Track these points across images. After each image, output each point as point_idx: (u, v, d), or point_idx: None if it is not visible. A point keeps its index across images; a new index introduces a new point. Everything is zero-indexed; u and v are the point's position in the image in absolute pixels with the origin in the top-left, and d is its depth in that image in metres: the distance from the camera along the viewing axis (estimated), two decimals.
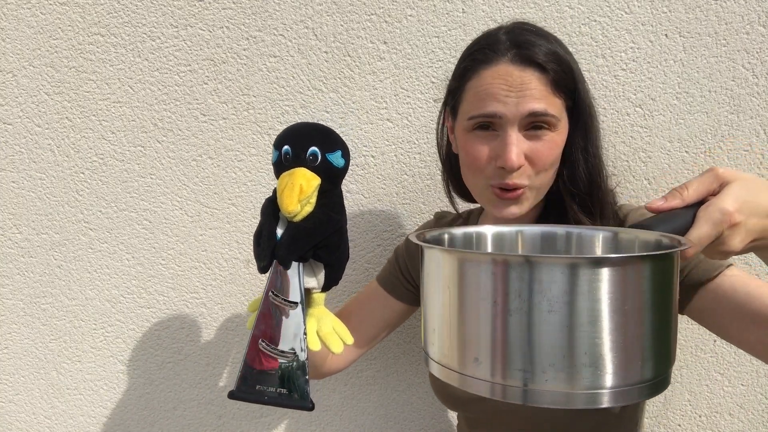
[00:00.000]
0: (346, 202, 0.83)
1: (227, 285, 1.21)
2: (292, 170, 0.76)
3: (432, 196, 1.15)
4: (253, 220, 1.18)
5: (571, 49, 0.83)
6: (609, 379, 0.44)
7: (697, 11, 1.04)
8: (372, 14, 1.10)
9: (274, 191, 0.78)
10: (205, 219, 1.19)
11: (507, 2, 1.07)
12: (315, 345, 0.78)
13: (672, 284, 0.48)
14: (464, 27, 1.09)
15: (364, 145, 1.14)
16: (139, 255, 1.20)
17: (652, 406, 1.15)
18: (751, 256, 1.09)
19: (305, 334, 0.76)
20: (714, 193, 0.58)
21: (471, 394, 0.72)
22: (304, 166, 0.76)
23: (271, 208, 0.78)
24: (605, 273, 0.43)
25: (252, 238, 0.82)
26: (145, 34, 1.13)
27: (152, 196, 1.18)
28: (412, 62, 1.11)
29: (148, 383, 1.25)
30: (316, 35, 1.11)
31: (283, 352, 0.76)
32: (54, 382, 1.26)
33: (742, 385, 1.13)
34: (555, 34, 0.83)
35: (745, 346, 0.76)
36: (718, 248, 0.57)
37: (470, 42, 0.86)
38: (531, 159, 0.79)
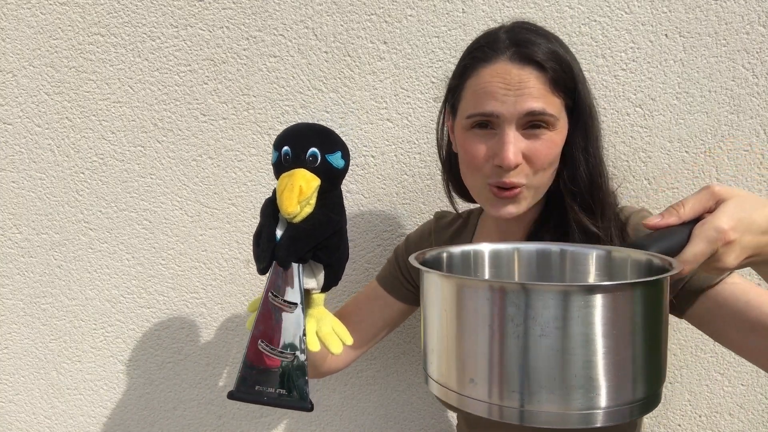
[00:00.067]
0: (346, 202, 0.83)
1: (227, 285, 1.21)
2: (292, 171, 0.76)
3: (432, 196, 1.15)
4: (253, 220, 1.18)
5: (571, 49, 0.83)
6: (602, 400, 0.46)
7: (697, 11, 1.04)
8: (372, 14, 1.10)
9: (274, 192, 0.78)
10: (205, 219, 1.19)
11: (507, 2, 1.07)
12: (314, 346, 0.78)
13: (661, 307, 0.49)
14: (464, 27, 1.09)
15: (364, 145, 1.14)
16: (139, 255, 1.20)
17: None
18: None
19: (304, 334, 0.76)
20: (710, 211, 0.58)
21: None
22: (304, 167, 0.76)
23: (271, 209, 0.78)
24: (596, 299, 0.44)
25: (252, 238, 0.81)
26: (145, 34, 1.13)
27: (152, 196, 1.18)
28: (412, 62, 1.11)
29: (148, 383, 1.25)
30: (316, 35, 1.11)
31: (282, 352, 0.76)
32: (54, 382, 1.26)
33: (742, 385, 1.13)
34: (555, 34, 0.83)
35: (744, 353, 0.77)
36: (713, 265, 0.58)
37: (470, 42, 0.86)
38: (529, 158, 0.78)
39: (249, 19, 1.12)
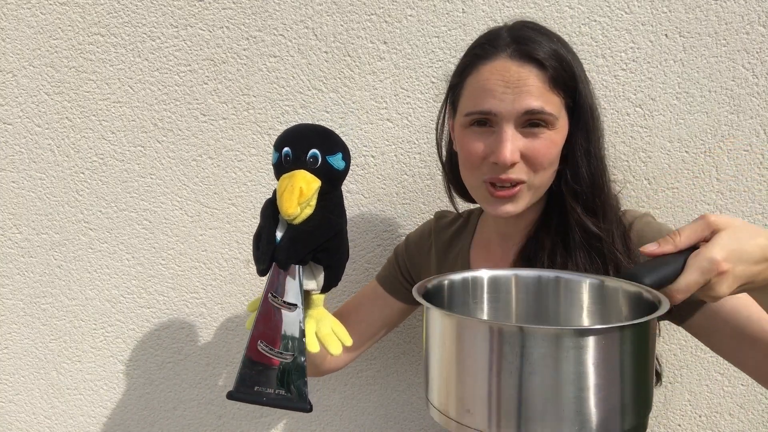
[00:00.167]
0: (346, 202, 0.83)
1: (227, 285, 1.21)
2: (292, 172, 0.76)
3: (432, 196, 1.15)
4: (253, 220, 1.18)
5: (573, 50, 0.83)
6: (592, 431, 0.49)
7: (697, 11, 1.04)
8: (372, 14, 1.10)
9: (274, 193, 0.77)
10: (205, 219, 1.19)
11: (507, 2, 1.07)
12: (314, 347, 0.78)
13: (648, 345, 0.52)
14: (464, 27, 1.09)
15: (364, 145, 1.14)
16: (139, 255, 1.20)
17: (652, 407, 1.15)
18: None
19: (304, 335, 0.76)
20: (706, 240, 0.60)
21: None
22: (305, 169, 0.76)
23: (271, 210, 0.77)
24: (586, 341, 0.48)
25: (252, 239, 0.81)
26: (145, 34, 1.13)
27: (152, 196, 1.18)
28: (412, 62, 1.11)
29: (148, 383, 1.25)
30: (316, 35, 1.11)
31: (281, 353, 0.76)
32: (54, 382, 1.26)
33: (742, 385, 1.13)
34: (558, 34, 0.83)
35: (742, 366, 0.78)
36: (706, 293, 0.59)
37: (470, 42, 0.86)
38: (527, 157, 0.78)
39: (249, 19, 1.12)
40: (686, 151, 1.08)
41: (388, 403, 1.23)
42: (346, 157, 0.79)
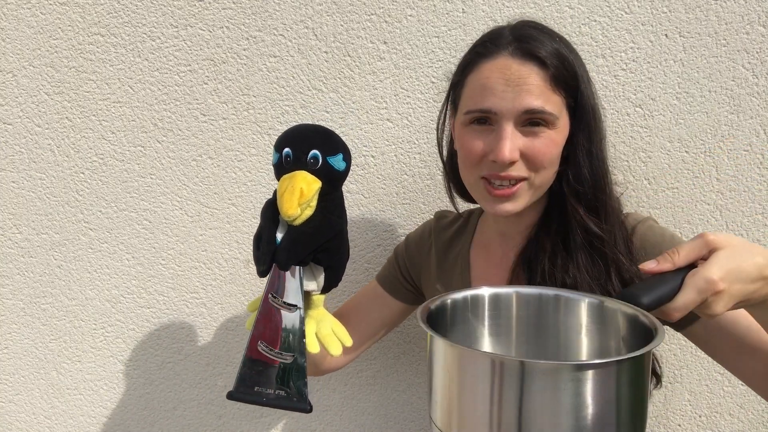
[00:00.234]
0: (346, 202, 0.83)
1: (227, 285, 1.21)
2: (293, 173, 0.75)
3: (432, 196, 1.15)
4: (253, 221, 1.18)
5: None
6: None
7: (697, 11, 1.04)
8: (372, 14, 1.10)
9: (275, 193, 0.77)
10: (205, 219, 1.19)
11: (507, 2, 1.07)
12: (314, 347, 0.78)
13: (644, 374, 0.54)
14: (464, 27, 1.09)
15: (364, 145, 1.14)
16: (139, 255, 1.20)
17: (652, 407, 1.15)
18: None
19: (304, 336, 0.76)
20: (704, 258, 0.61)
21: None
22: (305, 169, 0.76)
23: (271, 211, 0.77)
24: (584, 375, 0.50)
25: (252, 239, 0.81)
26: (145, 34, 1.13)
27: (152, 196, 1.18)
28: (412, 62, 1.11)
29: (148, 383, 1.25)
30: (316, 35, 1.11)
31: (281, 354, 0.76)
32: (54, 382, 1.26)
33: (742, 385, 1.12)
34: (561, 35, 0.83)
35: (740, 375, 0.79)
36: (702, 311, 0.60)
37: (471, 42, 0.86)
38: (527, 156, 0.78)
39: (249, 19, 1.12)
40: (686, 151, 1.08)
41: (388, 403, 1.23)
42: (347, 158, 0.79)
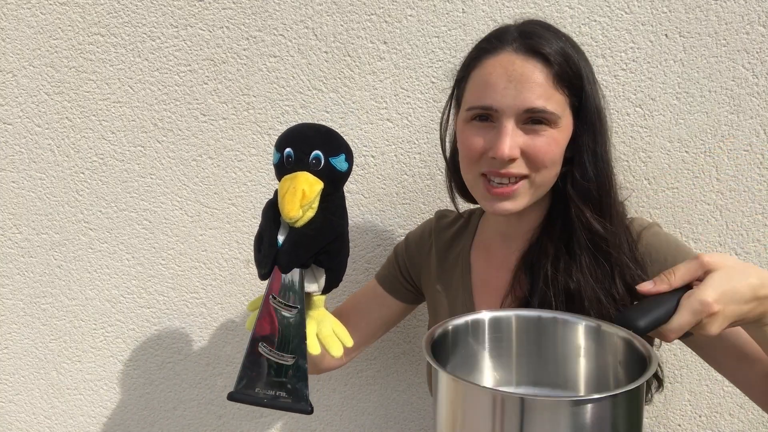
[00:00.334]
0: (345, 202, 0.83)
1: (227, 285, 1.21)
2: (295, 174, 0.74)
3: (432, 196, 1.15)
4: (253, 221, 1.18)
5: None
6: None
7: (697, 11, 1.04)
8: (372, 14, 1.10)
9: (275, 194, 0.77)
10: (205, 219, 1.19)
11: (507, 2, 1.07)
12: (315, 349, 0.78)
13: (639, 404, 0.56)
14: (464, 27, 1.09)
15: (364, 145, 1.14)
16: (139, 255, 1.20)
17: (653, 406, 1.15)
18: (752, 257, 1.09)
19: (305, 337, 0.76)
20: (700, 279, 0.62)
21: None
22: (307, 170, 0.75)
23: (272, 212, 0.76)
24: (582, 409, 0.52)
25: (252, 240, 0.81)
26: (145, 34, 1.13)
27: (152, 196, 1.18)
28: (412, 62, 1.11)
29: (148, 383, 1.25)
30: (316, 35, 1.11)
31: (282, 355, 0.75)
32: (54, 382, 1.26)
33: None
34: (568, 35, 0.82)
35: (738, 383, 0.80)
36: (698, 331, 0.62)
37: (470, 41, 0.86)
38: (528, 154, 0.77)
39: (249, 19, 1.12)
40: (686, 151, 1.08)
41: (388, 403, 1.23)
42: (349, 158, 0.78)
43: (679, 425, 1.16)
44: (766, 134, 1.06)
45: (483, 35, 0.98)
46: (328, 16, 1.11)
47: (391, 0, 1.09)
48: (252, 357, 0.76)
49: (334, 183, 0.77)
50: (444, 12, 1.09)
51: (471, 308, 0.91)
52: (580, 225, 0.81)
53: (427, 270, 0.99)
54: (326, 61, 1.12)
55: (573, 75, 0.78)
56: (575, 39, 1.05)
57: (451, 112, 0.90)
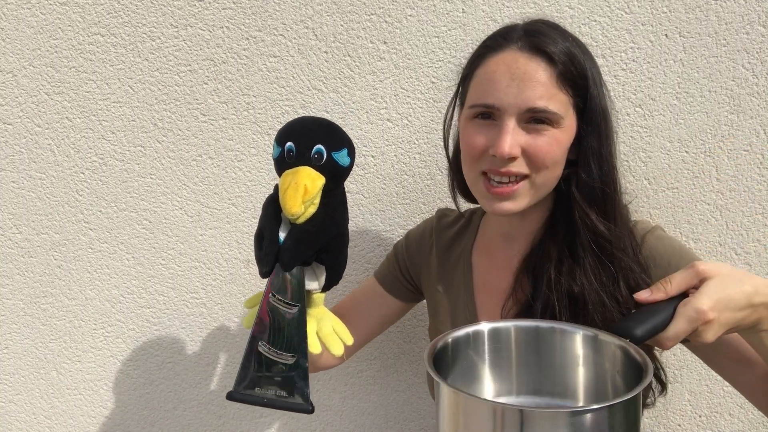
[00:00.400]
0: (346, 198, 0.81)
1: (227, 285, 1.21)
2: (296, 169, 0.73)
3: (432, 196, 1.15)
4: (253, 221, 1.18)
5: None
6: None
7: (697, 11, 1.05)
8: (372, 14, 1.10)
9: (276, 188, 0.75)
10: (205, 219, 1.19)
11: (507, 2, 1.07)
12: (315, 348, 0.77)
13: (636, 412, 0.57)
14: (464, 27, 1.09)
15: (364, 145, 1.14)
16: (139, 255, 1.20)
17: (653, 406, 1.15)
18: (752, 257, 1.09)
19: (305, 336, 0.75)
20: (695, 287, 0.63)
21: None
22: (309, 165, 0.73)
23: (273, 209, 0.75)
24: (580, 419, 0.53)
25: (252, 240, 0.80)
26: (145, 34, 1.13)
27: (152, 196, 1.18)
28: (412, 62, 1.11)
29: (148, 383, 1.25)
30: (316, 35, 1.11)
31: (283, 354, 0.75)
32: (54, 382, 1.26)
33: None
34: (577, 36, 0.81)
35: (737, 385, 0.81)
36: (693, 339, 0.63)
37: (470, 42, 0.86)
38: (529, 153, 0.77)
39: (249, 19, 1.12)
40: (686, 151, 1.08)
41: (388, 403, 1.23)
42: (351, 153, 0.76)
43: (679, 425, 1.16)
44: (766, 134, 1.06)
45: (483, 35, 0.98)
46: (328, 16, 1.11)
47: (391, 0, 1.09)
48: (251, 356, 0.75)
49: (335, 178, 0.75)
50: (444, 12, 1.09)
51: (472, 309, 0.91)
52: (585, 227, 0.80)
53: (427, 269, 0.99)
54: (326, 61, 1.12)
55: (578, 75, 0.77)
56: None
57: (456, 109, 0.89)
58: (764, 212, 1.08)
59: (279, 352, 0.75)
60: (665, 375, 0.88)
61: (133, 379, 1.25)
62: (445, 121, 0.91)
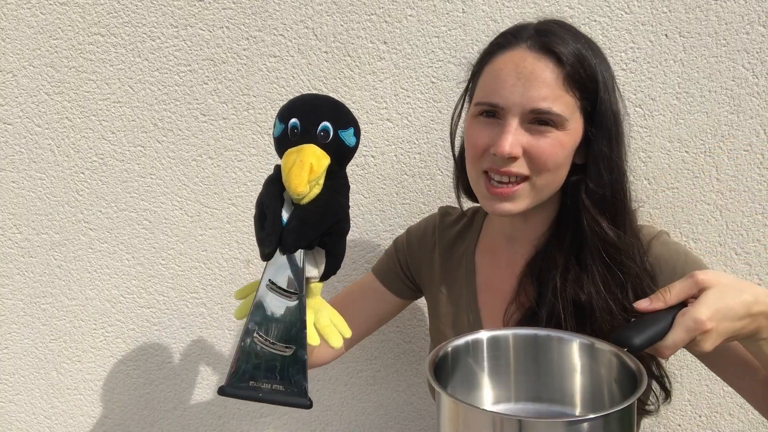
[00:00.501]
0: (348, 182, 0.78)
1: (227, 285, 1.21)
2: (300, 146, 0.69)
3: (432, 196, 1.15)
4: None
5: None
6: None
7: (697, 11, 1.05)
8: (372, 14, 1.10)
9: (275, 169, 0.72)
10: (205, 219, 1.19)
11: (507, 2, 1.07)
12: (314, 339, 0.73)
13: (631, 420, 0.57)
14: (464, 27, 1.09)
15: (364, 145, 1.14)
16: (139, 255, 1.20)
17: (656, 413, 1.15)
18: (752, 257, 1.09)
19: (304, 326, 0.70)
20: (695, 297, 0.63)
21: None
22: (314, 143, 0.69)
23: (274, 188, 0.71)
24: (577, 428, 0.54)
25: (252, 240, 0.79)
26: (145, 34, 1.13)
27: (152, 196, 1.18)
28: (412, 62, 1.11)
29: (148, 383, 1.25)
30: (316, 35, 1.11)
31: (280, 345, 0.70)
32: (54, 382, 1.26)
33: None
34: (592, 39, 0.80)
35: (741, 392, 0.80)
36: (692, 348, 0.64)
37: (470, 42, 0.85)
38: (530, 154, 0.76)
39: (249, 19, 1.12)
40: (686, 151, 1.08)
41: (388, 403, 1.23)
42: (357, 134, 0.73)
43: (679, 425, 1.16)
44: (766, 134, 1.06)
45: (483, 35, 0.98)
46: (328, 16, 1.11)
47: (391, 0, 1.09)
48: (246, 348, 0.70)
49: (340, 159, 0.72)
50: (444, 12, 1.09)
51: (475, 310, 0.91)
52: (594, 235, 0.79)
53: (428, 267, 0.98)
54: (326, 61, 1.12)
55: (587, 78, 0.76)
56: None
57: (465, 106, 0.88)
58: (764, 212, 1.08)
59: (276, 343, 0.70)
60: (669, 383, 0.88)
61: (133, 379, 1.25)
62: (453, 118, 0.90)
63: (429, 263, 0.98)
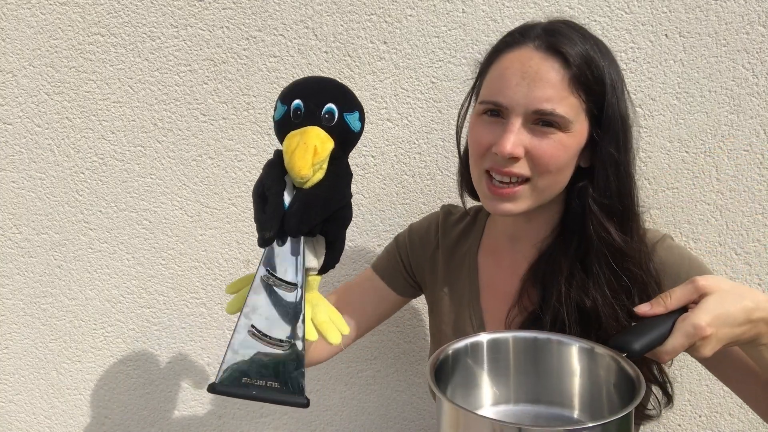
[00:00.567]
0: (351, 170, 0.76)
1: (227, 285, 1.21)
2: (303, 129, 0.66)
3: (432, 196, 1.15)
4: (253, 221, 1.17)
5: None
6: None
7: (697, 11, 1.05)
8: (372, 14, 1.10)
9: (276, 153, 0.69)
10: (205, 219, 1.19)
11: (507, 2, 1.07)
12: (312, 335, 0.70)
13: (628, 425, 0.57)
14: (464, 27, 1.09)
15: (364, 145, 1.14)
16: (139, 255, 1.20)
17: (657, 418, 1.15)
18: (752, 257, 1.09)
19: (303, 320, 0.67)
20: (695, 302, 0.64)
21: None
22: (318, 125, 0.67)
23: (276, 171, 0.68)
24: None
25: (253, 240, 0.79)
26: (145, 34, 1.13)
27: (152, 196, 1.18)
28: (412, 62, 1.11)
29: (148, 383, 1.25)
30: (316, 35, 1.11)
31: (276, 339, 0.66)
32: (54, 382, 1.26)
33: None
34: (603, 41, 0.80)
35: (742, 396, 0.80)
36: (691, 353, 0.64)
37: (470, 42, 0.85)
38: (532, 155, 0.76)
39: (249, 19, 1.12)
40: (686, 151, 1.08)
41: (388, 403, 1.23)
42: (362, 119, 0.70)
43: (679, 425, 1.16)
44: (766, 134, 1.06)
45: (483, 35, 0.98)
46: (328, 16, 1.11)
47: (391, 0, 1.09)
48: (239, 342, 0.65)
49: (343, 145, 0.69)
50: (444, 12, 1.09)
51: (477, 310, 0.91)
52: (601, 241, 0.79)
53: (431, 266, 0.97)
54: (326, 61, 1.12)
55: (593, 80, 0.76)
56: None
57: (471, 104, 0.87)
58: (764, 212, 1.08)
59: (272, 337, 0.66)
60: (672, 388, 0.88)
61: (133, 379, 1.25)
62: (459, 116, 0.89)
63: (431, 261, 0.97)
